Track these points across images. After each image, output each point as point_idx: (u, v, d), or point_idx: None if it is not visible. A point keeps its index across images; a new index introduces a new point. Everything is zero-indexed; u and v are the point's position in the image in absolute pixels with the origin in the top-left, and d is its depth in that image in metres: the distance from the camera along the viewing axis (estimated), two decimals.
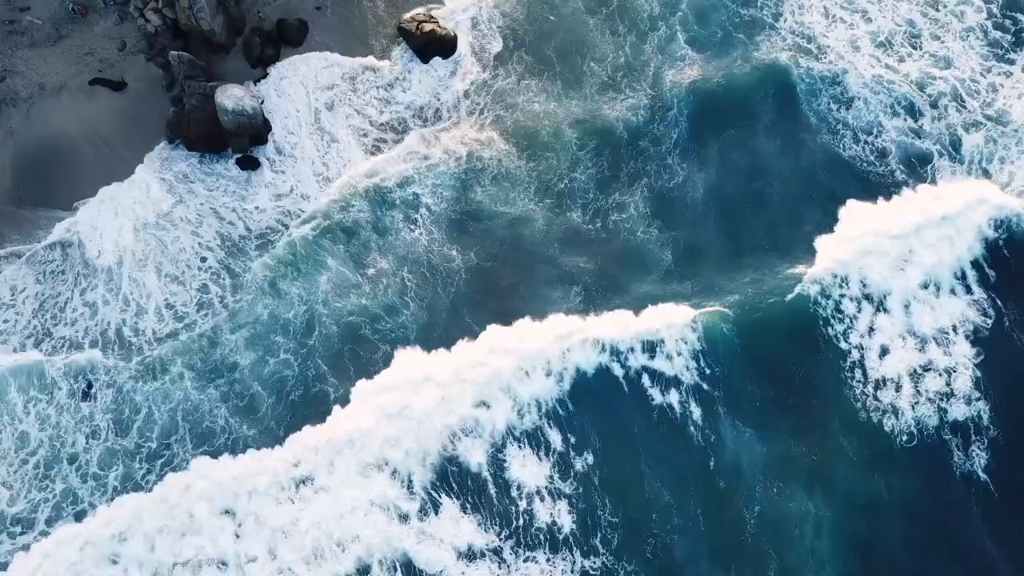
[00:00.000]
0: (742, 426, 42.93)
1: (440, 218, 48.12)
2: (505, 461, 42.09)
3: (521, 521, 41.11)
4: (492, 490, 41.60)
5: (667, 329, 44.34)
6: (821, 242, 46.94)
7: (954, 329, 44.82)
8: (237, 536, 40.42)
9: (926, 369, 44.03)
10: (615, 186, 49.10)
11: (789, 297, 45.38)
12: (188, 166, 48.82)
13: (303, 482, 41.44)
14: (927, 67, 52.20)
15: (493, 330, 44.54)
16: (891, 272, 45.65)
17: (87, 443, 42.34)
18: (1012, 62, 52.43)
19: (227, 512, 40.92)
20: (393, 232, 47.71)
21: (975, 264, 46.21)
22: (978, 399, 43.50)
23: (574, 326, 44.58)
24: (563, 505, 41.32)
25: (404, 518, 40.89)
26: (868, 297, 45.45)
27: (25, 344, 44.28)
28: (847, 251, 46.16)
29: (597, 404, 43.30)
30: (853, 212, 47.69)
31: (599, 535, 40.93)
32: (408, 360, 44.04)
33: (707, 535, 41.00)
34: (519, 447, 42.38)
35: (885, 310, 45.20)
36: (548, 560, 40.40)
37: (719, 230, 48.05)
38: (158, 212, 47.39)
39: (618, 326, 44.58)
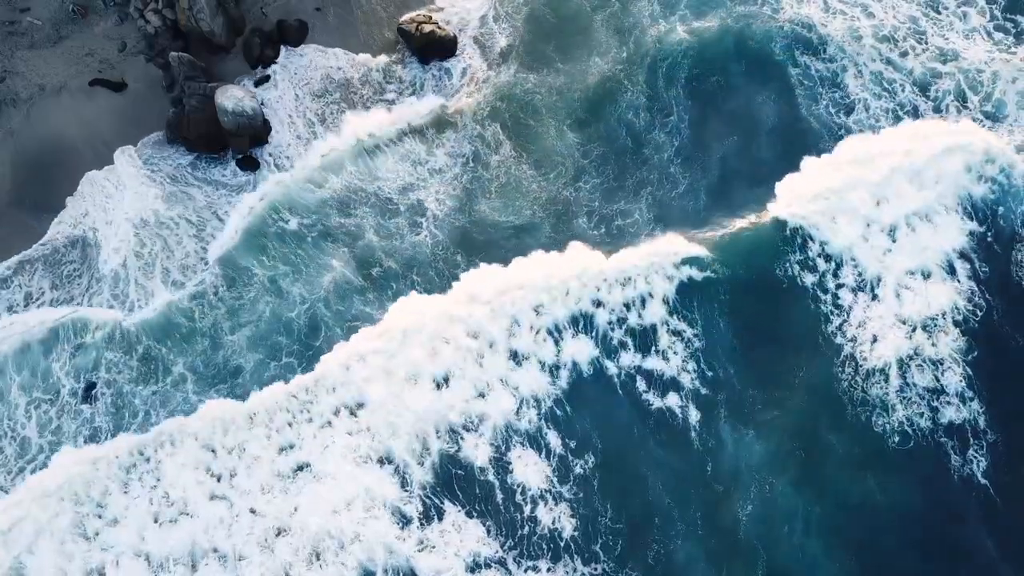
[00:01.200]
0: (736, 423, 43.10)
1: (444, 225, 48.02)
2: (504, 459, 42.27)
3: (526, 528, 41.16)
4: (495, 492, 41.71)
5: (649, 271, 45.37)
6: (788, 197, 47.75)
7: (943, 316, 45.02)
8: (231, 528, 40.63)
9: (914, 356, 44.19)
10: (620, 195, 49.17)
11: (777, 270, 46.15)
12: (174, 166, 49.05)
13: (300, 468, 41.74)
14: (930, 62, 52.12)
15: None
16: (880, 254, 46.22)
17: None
18: (1013, 53, 52.34)
19: (222, 498, 41.19)
20: (398, 237, 47.61)
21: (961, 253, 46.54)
22: (972, 399, 43.63)
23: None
24: (563, 506, 41.46)
25: (405, 522, 40.92)
26: (859, 276, 45.95)
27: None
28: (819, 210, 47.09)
29: (594, 403, 43.54)
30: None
31: (599, 541, 41.03)
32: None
33: (703, 537, 41.21)
34: (520, 446, 42.56)
35: (875, 294, 45.57)
36: (549, 570, 40.39)
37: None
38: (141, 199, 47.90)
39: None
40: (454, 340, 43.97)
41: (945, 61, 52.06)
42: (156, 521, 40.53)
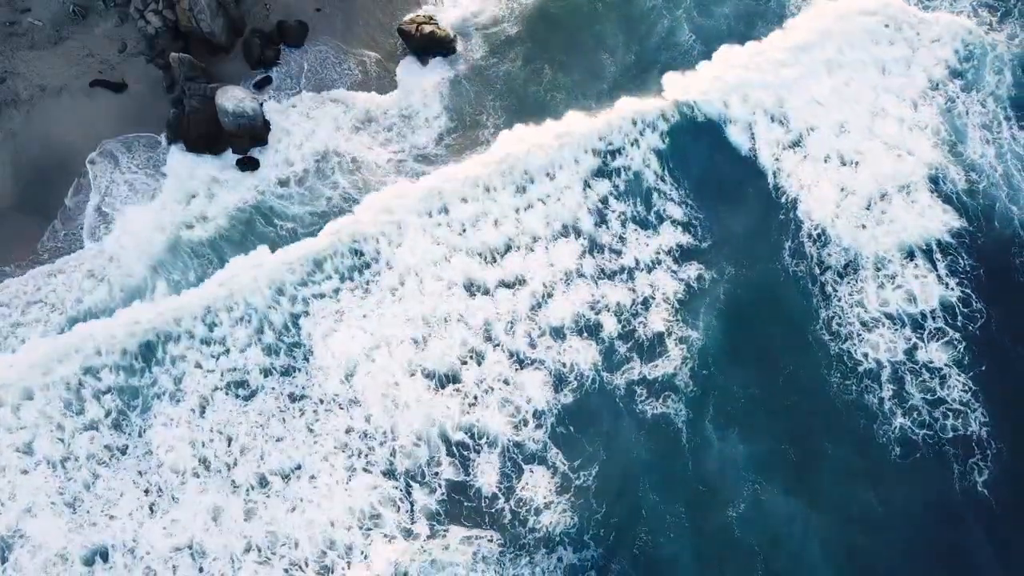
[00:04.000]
0: (727, 429, 43.22)
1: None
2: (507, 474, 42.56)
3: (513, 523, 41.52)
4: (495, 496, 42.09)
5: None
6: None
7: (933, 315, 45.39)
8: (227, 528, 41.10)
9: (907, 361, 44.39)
10: None
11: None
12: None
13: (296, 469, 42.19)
14: None
15: None
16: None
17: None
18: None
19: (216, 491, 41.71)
20: None
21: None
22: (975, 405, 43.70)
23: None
24: (562, 510, 41.70)
25: (407, 534, 41.22)
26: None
27: None
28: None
29: (590, 411, 43.72)
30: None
31: (591, 532, 41.33)
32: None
33: (704, 541, 41.37)
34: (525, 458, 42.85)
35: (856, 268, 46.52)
36: None
37: None
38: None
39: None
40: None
41: None
42: (153, 511, 41.11)
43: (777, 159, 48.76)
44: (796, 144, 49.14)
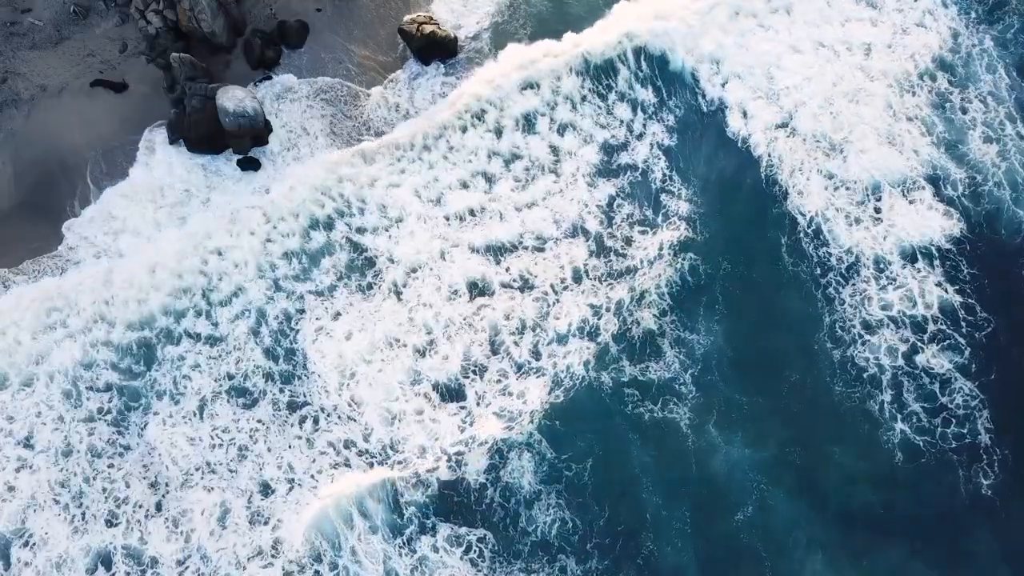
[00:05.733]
0: (730, 434, 42.96)
1: None
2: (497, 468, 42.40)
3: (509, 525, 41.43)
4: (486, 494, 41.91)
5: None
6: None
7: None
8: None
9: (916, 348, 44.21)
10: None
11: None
12: None
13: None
14: None
15: None
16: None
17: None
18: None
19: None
20: None
21: None
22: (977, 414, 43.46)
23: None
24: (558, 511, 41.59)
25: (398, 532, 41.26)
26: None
27: None
28: None
29: (591, 414, 43.44)
30: None
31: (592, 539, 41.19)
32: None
33: (708, 546, 41.22)
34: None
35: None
36: None
37: None
38: None
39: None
40: None
41: None
42: (160, 509, 41.16)
43: (770, 144, 48.46)
44: (785, 125, 48.99)
